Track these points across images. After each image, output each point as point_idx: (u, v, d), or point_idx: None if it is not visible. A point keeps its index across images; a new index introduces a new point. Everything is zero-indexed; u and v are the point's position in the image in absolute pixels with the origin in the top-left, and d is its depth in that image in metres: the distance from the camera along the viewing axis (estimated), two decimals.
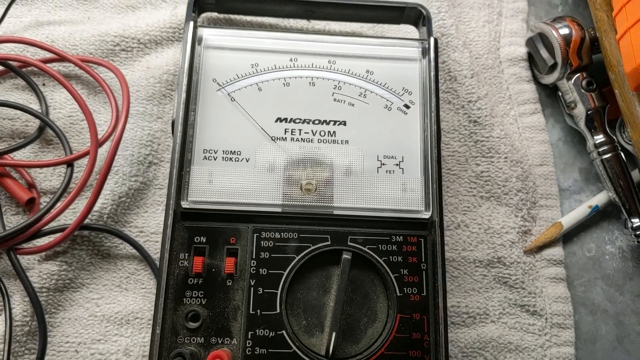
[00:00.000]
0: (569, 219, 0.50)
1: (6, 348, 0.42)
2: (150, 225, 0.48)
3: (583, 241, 0.51)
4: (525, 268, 0.49)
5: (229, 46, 0.46)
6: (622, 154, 0.50)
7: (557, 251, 0.50)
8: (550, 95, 0.55)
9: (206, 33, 0.46)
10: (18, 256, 0.44)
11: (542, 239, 0.49)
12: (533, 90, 0.54)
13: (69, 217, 0.46)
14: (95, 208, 0.46)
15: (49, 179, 0.48)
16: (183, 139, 0.42)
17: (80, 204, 0.47)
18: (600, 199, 0.51)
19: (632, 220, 0.49)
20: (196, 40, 0.45)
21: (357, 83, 0.46)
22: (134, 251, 0.47)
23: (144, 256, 0.46)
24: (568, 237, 0.51)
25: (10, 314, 0.43)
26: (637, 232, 0.48)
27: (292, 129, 0.44)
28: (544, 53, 0.52)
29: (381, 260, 0.41)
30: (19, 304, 0.44)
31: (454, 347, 0.47)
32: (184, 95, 0.43)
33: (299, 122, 0.45)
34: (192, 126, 0.43)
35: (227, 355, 0.37)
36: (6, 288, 0.44)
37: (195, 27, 0.45)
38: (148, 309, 0.46)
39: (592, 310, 0.50)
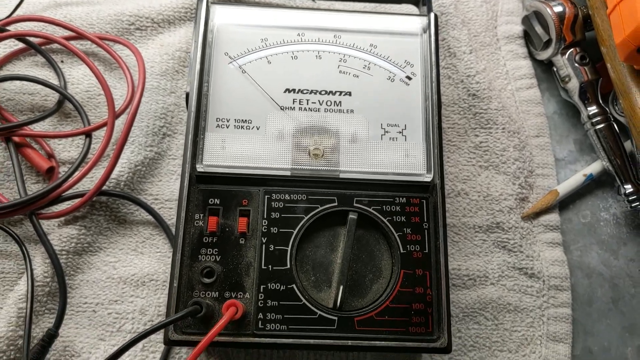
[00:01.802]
0: (564, 187, 0.52)
1: (28, 306, 0.44)
2: (164, 192, 0.50)
3: (578, 208, 0.54)
4: (523, 233, 0.51)
5: (240, 22, 0.48)
6: (614, 124, 0.52)
7: (553, 217, 0.52)
8: (545, 71, 0.57)
9: (218, 9, 0.48)
10: (39, 221, 0.46)
11: (539, 205, 0.51)
12: (529, 66, 0.56)
13: (87, 185, 0.49)
14: (113, 176, 0.48)
15: (67, 150, 0.50)
16: (197, 108, 0.45)
17: (97, 174, 0.49)
18: (594, 167, 0.53)
19: (625, 187, 0.51)
20: (209, 16, 0.47)
21: (361, 56, 0.48)
22: (149, 217, 0.49)
23: (159, 221, 0.49)
24: (564, 204, 0.53)
25: (32, 275, 0.45)
26: (630, 198, 0.51)
27: (299, 99, 0.47)
28: (539, 30, 0.54)
29: (385, 220, 0.44)
30: (40, 266, 0.46)
31: (455, 307, 0.49)
32: (198, 66, 0.45)
33: (307, 93, 0.47)
34: (205, 96, 0.46)
35: (241, 306, 0.39)
36: (28, 251, 0.46)
37: (208, 4, 0.48)
38: (163, 271, 0.48)
39: (587, 274, 0.52)
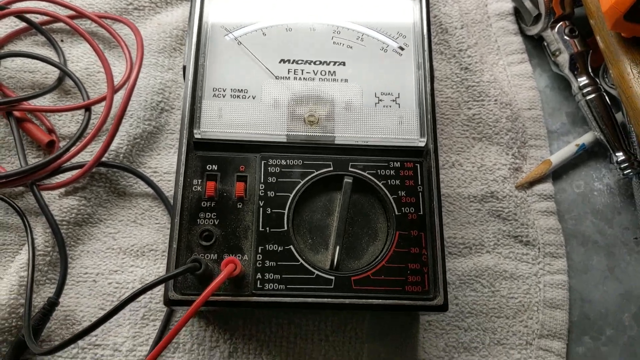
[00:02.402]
0: (557, 156, 0.53)
1: (30, 274, 0.45)
2: (163, 165, 0.51)
3: (572, 178, 0.54)
4: (517, 202, 0.52)
5: None
6: (605, 95, 0.53)
7: (547, 187, 0.53)
8: (536, 47, 0.58)
9: None
10: (40, 192, 0.47)
11: (533, 174, 0.52)
12: (520, 42, 0.57)
13: (87, 159, 0.49)
14: (112, 148, 0.49)
15: (67, 125, 0.51)
16: (194, 77, 0.45)
17: (97, 148, 0.50)
18: (586, 138, 0.54)
19: (617, 154, 0.52)
20: None
21: (354, 28, 0.49)
22: (148, 189, 0.50)
23: (158, 193, 0.49)
24: (557, 174, 0.54)
25: (33, 243, 0.46)
26: (622, 166, 0.52)
27: (294, 69, 0.47)
28: (528, 5, 0.55)
29: (380, 184, 0.44)
30: (41, 235, 0.46)
31: (452, 275, 0.50)
32: (194, 38, 0.46)
33: (301, 63, 0.48)
34: (202, 67, 0.46)
35: (239, 263, 0.40)
36: (28, 221, 0.47)
37: None
38: (162, 241, 0.49)
39: (582, 242, 0.52)
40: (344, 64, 0.48)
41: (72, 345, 0.46)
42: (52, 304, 0.45)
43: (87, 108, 0.50)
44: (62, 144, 0.51)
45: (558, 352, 0.49)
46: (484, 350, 0.48)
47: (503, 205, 0.52)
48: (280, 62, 0.48)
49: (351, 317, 0.48)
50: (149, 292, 0.47)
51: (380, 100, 0.47)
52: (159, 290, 0.48)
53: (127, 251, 0.48)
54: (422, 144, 0.45)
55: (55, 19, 0.51)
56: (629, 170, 0.51)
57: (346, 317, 0.48)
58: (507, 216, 0.51)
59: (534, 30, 0.56)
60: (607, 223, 0.53)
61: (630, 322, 0.50)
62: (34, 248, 0.46)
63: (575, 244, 0.52)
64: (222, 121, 0.45)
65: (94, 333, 0.46)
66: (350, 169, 0.44)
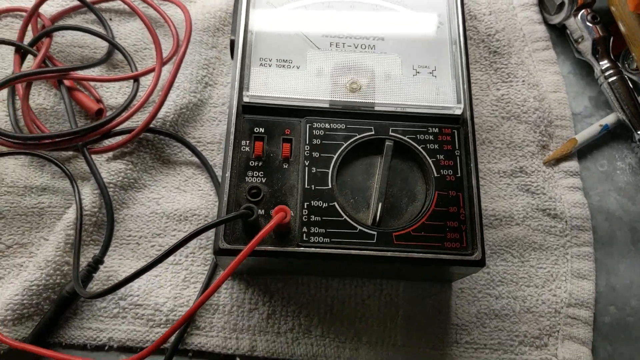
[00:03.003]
0: (582, 135, 0.55)
1: (78, 231, 0.46)
2: (206, 136, 0.53)
3: (596, 158, 0.56)
4: (545, 177, 0.54)
5: None
6: (627, 78, 0.56)
7: (573, 164, 0.55)
8: (559, 36, 0.61)
9: None
10: (91, 154, 0.49)
11: (560, 152, 0.54)
12: (544, 30, 0.61)
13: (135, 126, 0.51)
14: (159, 116, 0.51)
15: (115, 97, 0.54)
16: (243, 47, 0.48)
17: (142, 117, 0.52)
18: (609, 119, 0.56)
19: (638, 133, 0.54)
20: None
21: (392, 7, 0.52)
22: (191, 158, 0.52)
23: (202, 161, 0.51)
24: (582, 154, 0.56)
25: (81, 203, 0.48)
26: None
27: (336, 42, 0.50)
28: None
29: (419, 147, 0.46)
30: (89, 196, 0.48)
31: None
32: (244, 12, 0.49)
33: (343, 37, 0.50)
34: (250, 39, 0.49)
35: (289, 211, 0.41)
36: (76, 182, 0.49)
37: None
38: (205, 207, 0.50)
39: (607, 217, 0.54)
40: (382, 39, 0.51)
41: (114, 305, 0.47)
42: (97, 261, 0.46)
43: (136, 79, 0.52)
44: (109, 113, 0.53)
45: (585, 320, 0.50)
46: (515, 317, 0.50)
47: (532, 180, 0.54)
48: (322, 36, 0.50)
49: (387, 283, 0.49)
50: (191, 255, 0.48)
51: (418, 72, 0.49)
52: (200, 253, 0.49)
53: (171, 216, 0.50)
54: (459, 112, 0.48)
55: None
56: None
57: (382, 282, 0.49)
58: (535, 190, 0.53)
59: (557, 19, 0.59)
60: (629, 200, 0.55)
61: None
62: (81, 208, 0.47)
63: (600, 219, 0.54)
64: (268, 87, 0.47)
65: (135, 293, 0.47)
66: (391, 133, 0.47)
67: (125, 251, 0.49)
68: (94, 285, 0.47)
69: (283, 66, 0.49)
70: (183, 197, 0.51)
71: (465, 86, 0.48)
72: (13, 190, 0.49)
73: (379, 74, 0.49)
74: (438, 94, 0.49)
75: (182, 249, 0.48)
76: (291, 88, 0.48)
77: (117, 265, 0.48)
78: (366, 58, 0.49)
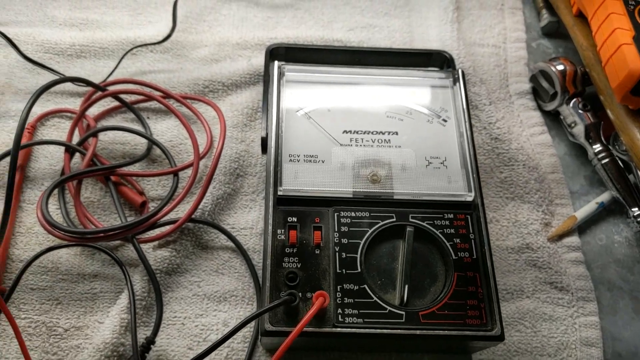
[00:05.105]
0: (581, 212, 0.61)
1: (132, 315, 0.50)
2: (240, 222, 0.58)
3: (594, 233, 0.62)
4: (550, 252, 0.59)
5: (304, 79, 0.59)
6: (618, 159, 0.62)
7: (574, 239, 0.60)
8: (553, 120, 0.68)
9: (286, 69, 0.59)
10: (139, 244, 0.54)
11: (561, 228, 0.60)
12: (539, 116, 0.67)
13: (175, 217, 0.56)
14: (199, 206, 0.56)
15: (155, 189, 0.59)
16: (277, 146, 0.54)
17: (182, 208, 0.57)
18: (604, 197, 0.62)
19: (632, 210, 0.60)
20: (281, 76, 0.58)
21: (404, 104, 0.58)
22: (227, 243, 0.57)
23: (237, 246, 0.56)
24: (581, 229, 0.61)
25: (132, 289, 0.52)
26: (638, 220, 0.59)
27: (356, 138, 0.56)
28: (545, 85, 0.65)
29: (437, 232, 0.52)
30: (138, 282, 0.53)
31: None
32: (274, 115, 0.55)
33: (361, 133, 0.56)
34: (280, 138, 0.55)
35: (328, 296, 0.46)
36: (127, 270, 0.53)
37: (280, 67, 0.58)
38: (241, 288, 0.55)
39: (609, 288, 0.59)
40: (396, 133, 0.57)
41: None
42: (149, 342, 0.50)
43: (176, 173, 0.57)
44: (151, 205, 0.58)
45: None
46: None
47: (538, 256, 0.59)
48: (343, 132, 0.56)
49: (412, 356, 0.53)
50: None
51: (430, 162, 0.55)
52: (241, 332, 0.53)
53: (211, 297, 0.54)
54: (470, 199, 0.53)
55: (149, 98, 0.60)
56: None
57: (407, 355, 0.53)
58: (542, 265, 0.58)
59: (550, 107, 0.66)
60: (628, 271, 0.60)
61: None
62: (133, 293, 0.52)
63: (602, 289, 0.59)
64: (298, 181, 0.53)
65: None
66: (410, 220, 0.52)
67: (172, 331, 0.53)
68: None
69: (310, 161, 0.54)
70: (221, 280, 0.55)
71: (474, 175, 0.54)
72: (67, 277, 0.54)
73: (396, 166, 0.55)
74: (450, 182, 0.54)
75: (223, 327, 0.53)
76: (318, 180, 0.53)
77: (165, 344, 0.52)
78: (383, 152, 0.55)
